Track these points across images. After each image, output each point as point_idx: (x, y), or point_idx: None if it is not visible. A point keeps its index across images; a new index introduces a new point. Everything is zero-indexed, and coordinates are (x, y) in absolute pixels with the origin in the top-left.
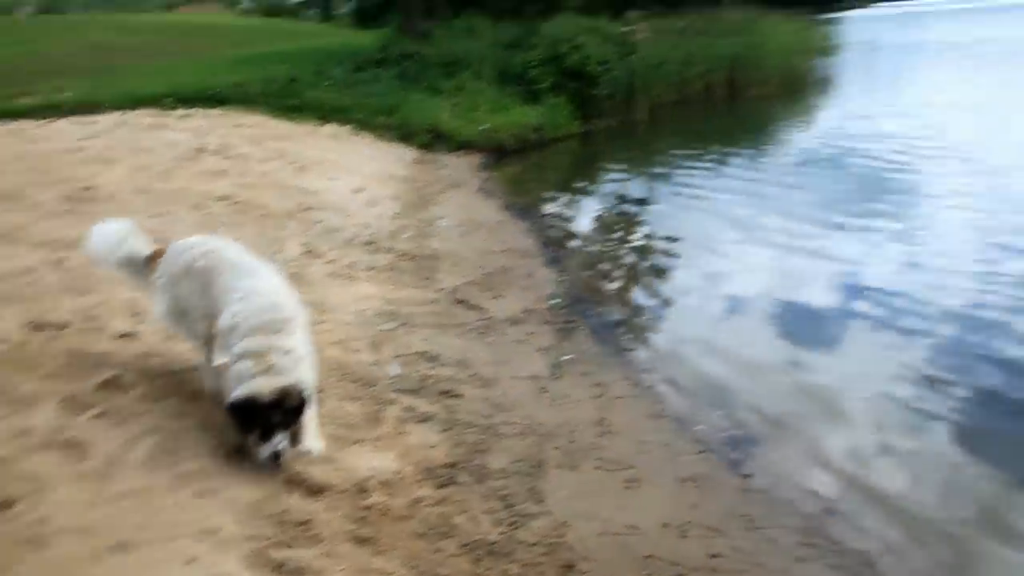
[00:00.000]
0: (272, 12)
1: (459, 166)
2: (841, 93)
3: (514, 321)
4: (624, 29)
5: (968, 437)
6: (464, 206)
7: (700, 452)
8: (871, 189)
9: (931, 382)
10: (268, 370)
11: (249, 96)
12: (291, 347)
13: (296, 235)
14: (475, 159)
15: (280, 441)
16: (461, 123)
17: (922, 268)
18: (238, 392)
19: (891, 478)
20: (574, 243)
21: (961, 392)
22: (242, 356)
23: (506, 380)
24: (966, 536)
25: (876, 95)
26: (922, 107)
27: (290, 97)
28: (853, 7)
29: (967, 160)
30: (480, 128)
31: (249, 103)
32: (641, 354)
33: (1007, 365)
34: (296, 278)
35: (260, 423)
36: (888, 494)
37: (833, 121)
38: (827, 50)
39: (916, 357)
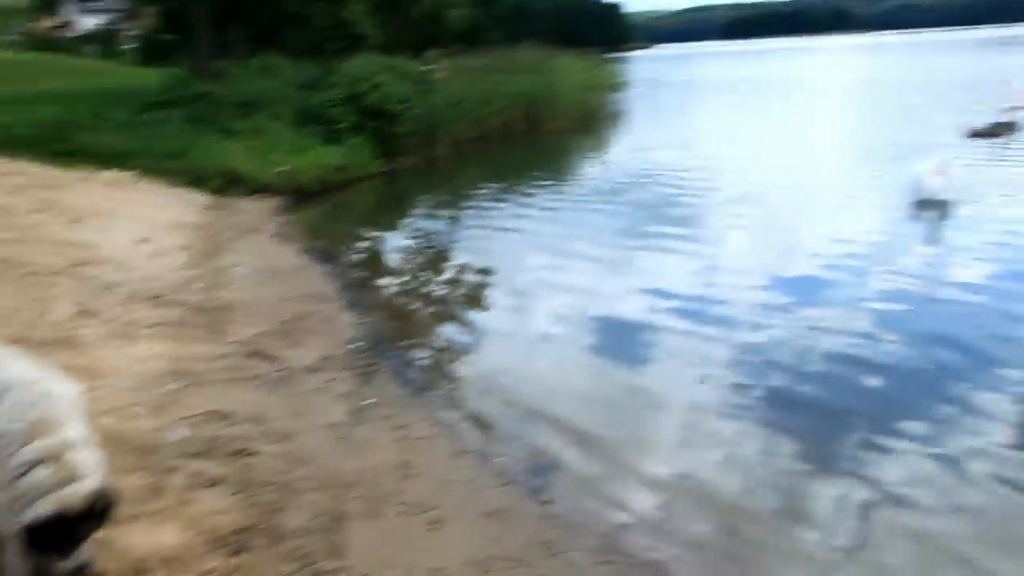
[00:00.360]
0: (45, 46)
1: (256, 211)
2: (631, 126)
3: (313, 369)
4: (424, 68)
5: (765, 436)
6: (260, 252)
7: (503, 485)
8: (664, 213)
9: (730, 387)
10: (71, 474)
11: (12, 140)
12: (83, 439)
13: (67, 294)
14: (273, 203)
15: (85, 551)
16: (257, 166)
17: (716, 282)
18: (39, 510)
19: (688, 486)
20: (378, 283)
21: (757, 393)
22: (30, 465)
23: (304, 432)
24: (760, 533)
25: (661, 128)
26: (701, 138)
27: (62, 142)
28: (638, 48)
29: (742, 183)
30: (278, 170)
31: (12, 149)
32: (445, 390)
33: (794, 366)
34: (64, 343)
35: (66, 538)
36: (684, 501)
37: (625, 152)
38: (616, 87)
39: (715, 365)
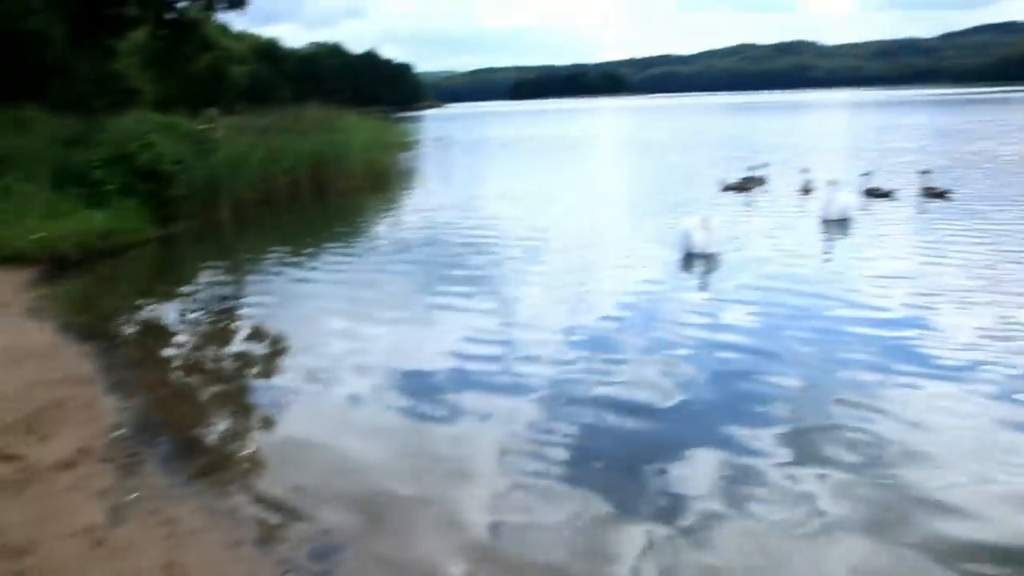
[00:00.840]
0: None
1: (4, 283)
2: (422, 185)
3: (65, 465)
4: (202, 127)
5: (567, 493)
6: (7, 332)
7: (284, 574)
8: (458, 271)
9: (532, 445)
10: None
11: None
12: None
13: None
14: (25, 274)
15: None
16: (6, 233)
17: (511, 339)
18: None
19: (492, 556)
20: (150, 361)
21: (557, 449)
22: None
23: (49, 542)
24: None
25: (452, 186)
26: (491, 196)
27: None
28: (429, 106)
29: (531, 239)
30: (32, 237)
31: None
32: (224, 475)
33: (590, 420)
34: None
35: None
36: (476, 564)
37: (417, 211)
38: (407, 145)
39: (516, 423)
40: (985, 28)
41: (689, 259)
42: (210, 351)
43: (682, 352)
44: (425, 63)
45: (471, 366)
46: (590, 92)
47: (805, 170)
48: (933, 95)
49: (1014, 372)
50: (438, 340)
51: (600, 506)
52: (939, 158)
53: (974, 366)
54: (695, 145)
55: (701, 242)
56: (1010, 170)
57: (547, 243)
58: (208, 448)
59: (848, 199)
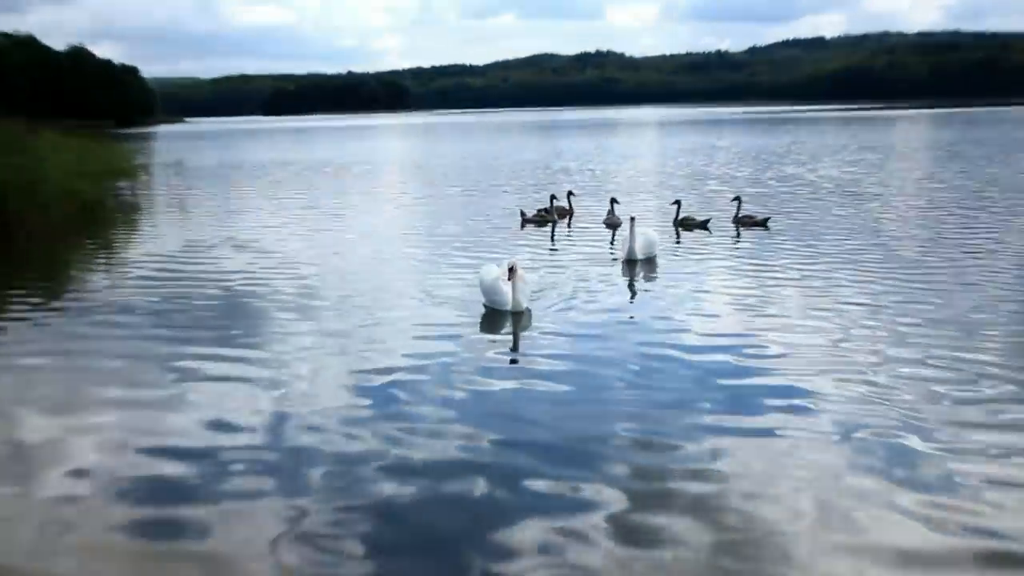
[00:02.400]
0: None
1: None
2: (153, 222)
3: None
4: None
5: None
6: None
7: None
8: (211, 328)
9: (321, 532)
10: None
11: None
12: None
13: None
14: None
15: None
16: None
17: (286, 406)
18: None
19: None
20: None
21: (352, 532)
22: None
23: None
24: None
25: (194, 226)
26: (248, 234)
27: None
28: (164, 121)
29: (299, 284)
30: None
31: None
32: None
33: (394, 489)
34: None
35: None
36: None
37: (146, 258)
38: (129, 173)
39: (293, 513)
40: (793, 43)
41: (492, 308)
42: None
43: (487, 414)
44: (156, 66)
45: (227, 453)
46: (367, 106)
47: (615, 200)
48: (745, 113)
49: (847, 407)
50: (180, 422)
51: None
52: (753, 184)
53: (807, 404)
54: (490, 171)
55: (506, 296)
56: (826, 195)
57: (317, 295)
58: None
59: (652, 235)
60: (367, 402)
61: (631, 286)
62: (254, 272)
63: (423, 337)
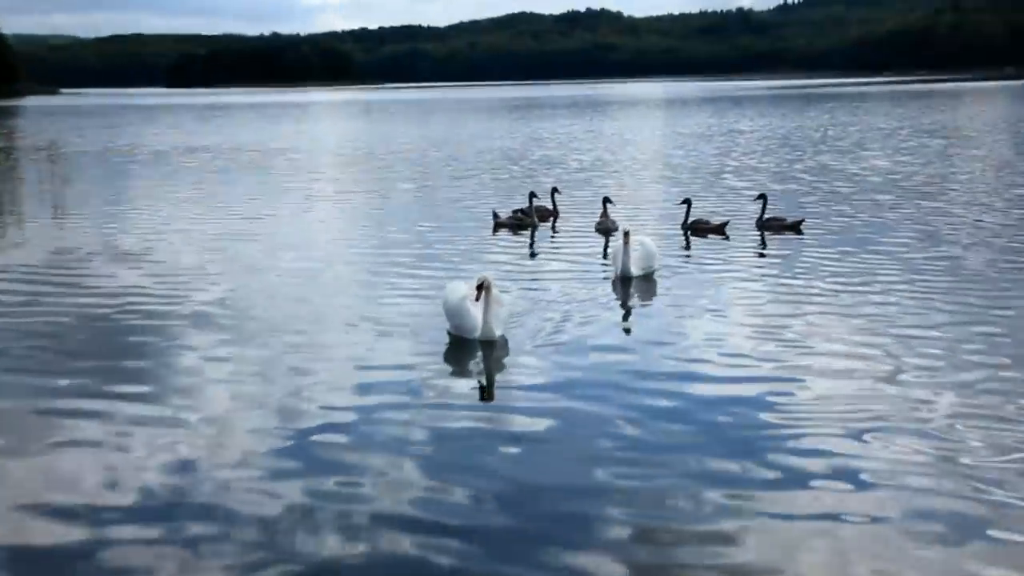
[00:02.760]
0: None
1: None
2: (19, 223)
3: None
4: None
5: None
6: None
7: None
8: (106, 360)
9: None
10: None
11: None
12: None
13: None
14: None
15: None
16: None
17: (197, 464)
18: None
19: None
20: None
21: None
22: None
23: None
24: None
25: (75, 228)
26: (153, 240)
27: None
28: (36, 92)
29: (222, 312)
30: None
31: None
32: None
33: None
34: None
35: None
36: None
37: (12, 267)
38: None
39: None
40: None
41: (457, 336)
42: None
43: (446, 471)
44: (19, 20)
45: (114, 518)
46: (298, 78)
47: (608, 200)
48: (771, 88)
49: (900, 474)
50: (55, 479)
51: None
52: (782, 179)
53: (849, 469)
54: (453, 162)
55: (474, 323)
56: (874, 192)
57: (230, 321)
58: None
59: (650, 246)
60: (294, 453)
61: (626, 310)
62: (148, 289)
63: (367, 373)
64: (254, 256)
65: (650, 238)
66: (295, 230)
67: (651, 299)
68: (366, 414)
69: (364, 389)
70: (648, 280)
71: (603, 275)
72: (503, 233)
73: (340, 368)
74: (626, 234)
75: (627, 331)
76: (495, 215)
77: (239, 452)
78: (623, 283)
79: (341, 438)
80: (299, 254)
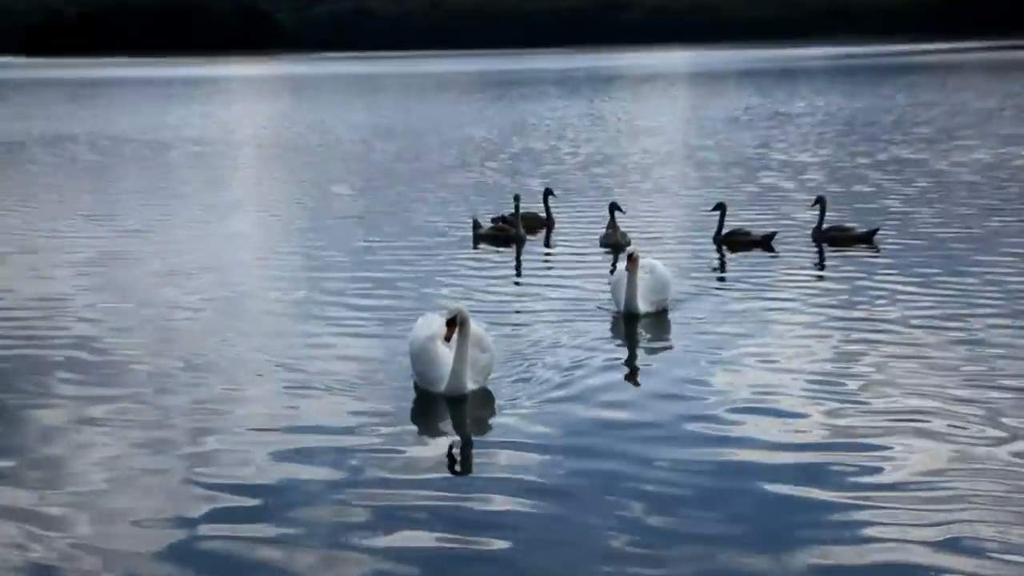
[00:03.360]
0: None
1: None
2: None
3: None
4: None
5: None
6: None
7: None
8: None
9: None
10: None
11: None
12: None
13: None
14: None
15: None
16: None
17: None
18: None
19: None
20: None
21: None
22: None
23: None
24: None
25: None
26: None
27: None
28: None
29: (94, 356)
30: None
31: None
32: None
33: None
34: None
35: None
36: None
37: None
38: None
39: None
40: None
41: (424, 389)
42: None
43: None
44: None
45: None
46: (208, 46)
47: (616, 207)
48: (830, 57)
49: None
50: None
51: None
52: (846, 177)
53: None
54: (410, 157)
55: (440, 359)
56: (968, 194)
57: (123, 366)
58: None
59: (662, 273)
60: (188, 556)
61: (635, 355)
62: (29, 317)
63: (292, 440)
64: (140, 283)
65: (661, 262)
66: (197, 248)
67: (668, 338)
68: (288, 497)
69: (287, 461)
70: (660, 317)
71: (611, 305)
72: (484, 247)
73: (256, 434)
74: (631, 257)
75: (637, 384)
76: (475, 224)
77: (116, 556)
78: (628, 321)
79: (255, 530)
80: (203, 280)
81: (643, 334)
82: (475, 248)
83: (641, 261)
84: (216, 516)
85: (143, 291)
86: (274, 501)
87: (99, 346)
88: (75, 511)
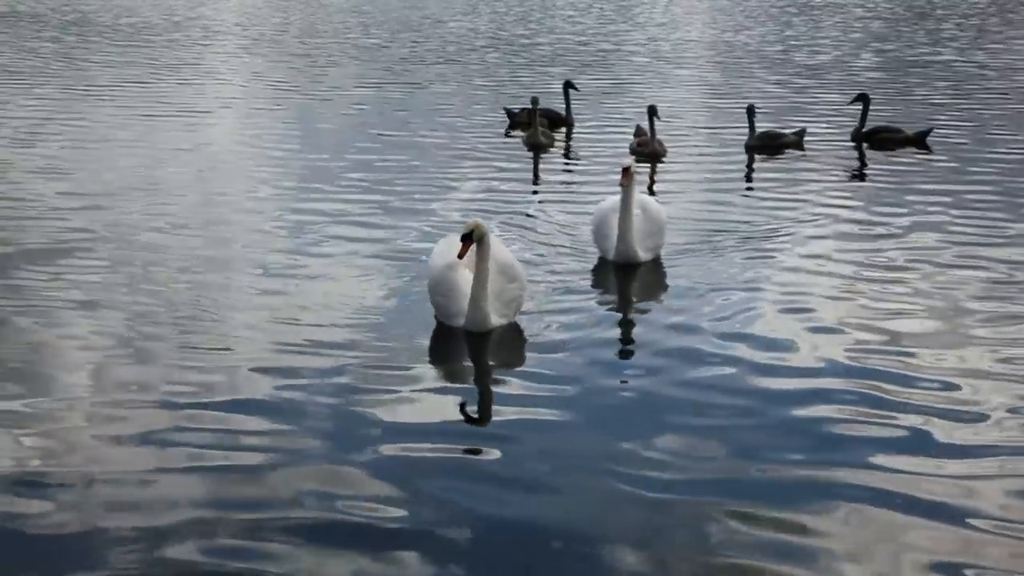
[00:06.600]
0: None
1: None
2: None
3: None
4: None
5: None
6: None
7: None
8: None
9: None
10: None
11: None
12: None
13: None
14: None
15: None
16: None
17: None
18: None
19: None
20: None
21: None
22: None
23: None
24: None
25: None
26: None
27: None
28: None
29: (65, 270)
30: None
31: None
32: None
33: None
34: None
35: None
36: None
37: None
38: None
39: None
40: None
41: (449, 323)
42: None
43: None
44: None
45: None
46: None
47: (654, 111)
48: None
49: None
50: None
51: None
52: (893, 65)
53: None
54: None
55: (457, 286)
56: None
57: (77, 288)
58: None
59: (655, 211)
60: (174, 482)
61: (623, 296)
62: None
63: (289, 372)
64: (110, 185)
65: (653, 199)
66: (178, 144)
67: (686, 274)
68: (286, 418)
69: (286, 398)
70: (657, 269)
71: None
72: (518, 137)
73: (255, 374)
74: (627, 171)
75: (663, 323)
76: (509, 113)
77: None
78: (620, 273)
79: (253, 458)
80: (184, 194)
81: (638, 276)
82: (507, 135)
83: (611, 210)
84: (211, 442)
85: (113, 193)
86: (273, 427)
87: (80, 257)
88: (54, 423)
